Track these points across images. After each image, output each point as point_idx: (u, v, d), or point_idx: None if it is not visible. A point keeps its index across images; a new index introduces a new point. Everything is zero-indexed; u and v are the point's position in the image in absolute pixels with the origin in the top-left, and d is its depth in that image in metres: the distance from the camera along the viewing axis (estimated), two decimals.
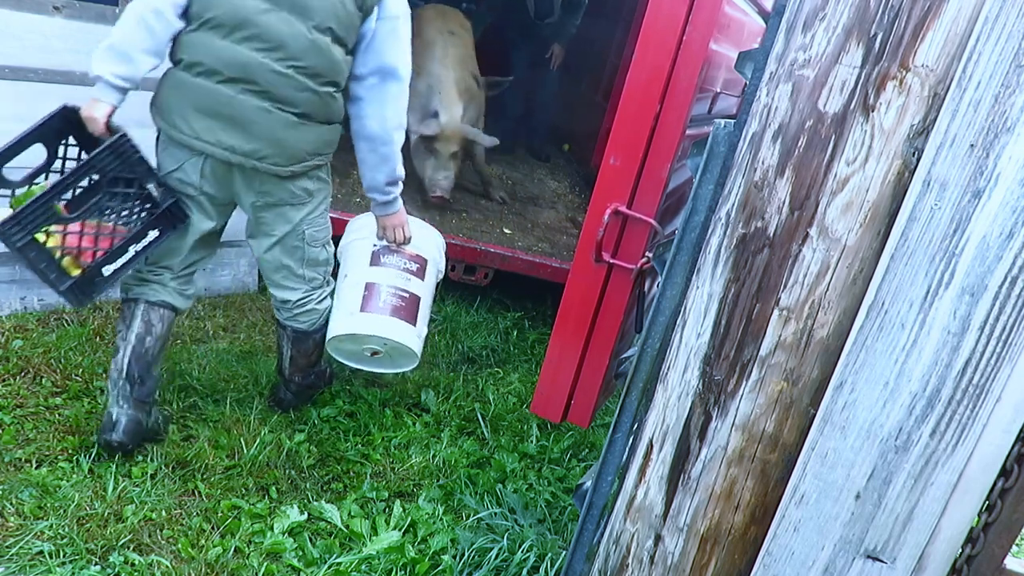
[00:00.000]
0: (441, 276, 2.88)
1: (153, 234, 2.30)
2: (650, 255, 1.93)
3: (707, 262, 1.42)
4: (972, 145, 1.16)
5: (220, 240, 2.58)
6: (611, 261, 2.13)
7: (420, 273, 2.70)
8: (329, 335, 2.62)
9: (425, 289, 2.71)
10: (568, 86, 5.79)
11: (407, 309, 2.62)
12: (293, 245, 2.49)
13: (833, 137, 1.28)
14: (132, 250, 2.27)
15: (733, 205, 1.38)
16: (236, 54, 2.18)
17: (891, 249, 1.23)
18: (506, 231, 4.35)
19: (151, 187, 2.25)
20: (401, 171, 2.52)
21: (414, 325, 2.63)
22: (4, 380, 2.64)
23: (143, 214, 2.27)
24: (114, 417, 2.35)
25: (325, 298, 2.64)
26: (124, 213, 2.25)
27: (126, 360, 2.38)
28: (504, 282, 4.11)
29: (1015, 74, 1.13)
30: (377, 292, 2.59)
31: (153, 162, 2.30)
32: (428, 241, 2.79)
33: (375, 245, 2.66)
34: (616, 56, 5.65)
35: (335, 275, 2.72)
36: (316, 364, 2.76)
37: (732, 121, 1.42)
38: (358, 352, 2.70)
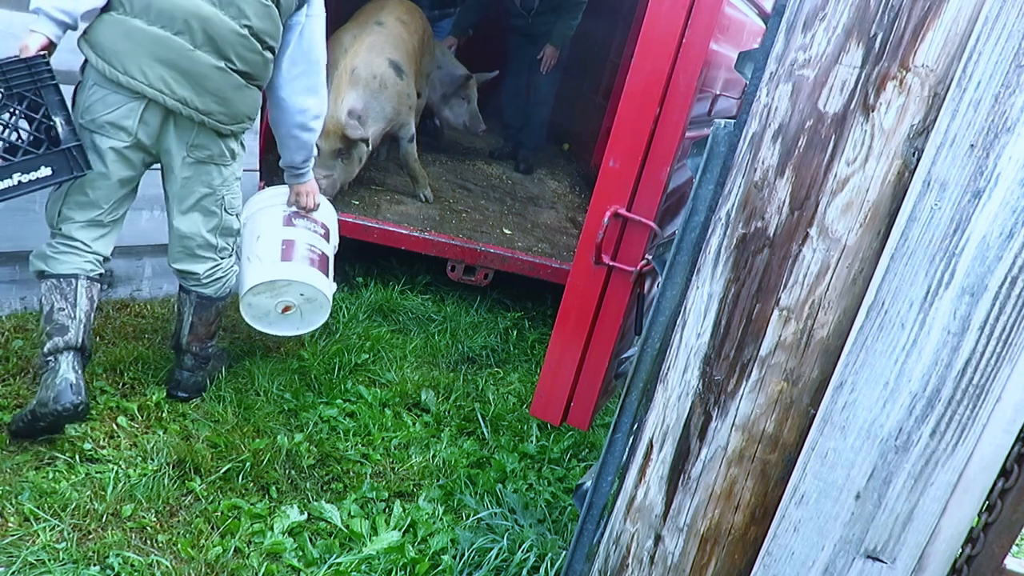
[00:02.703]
0: (336, 251, 3.08)
1: (45, 171, 2.20)
2: (650, 257, 1.93)
3: (707, 262, 1.42)
4: (972, 145, 1.16)
5: (134, 198, 2.56)
6: (611, 264, 2.13)
7: (327, 237, 2.98)
8: (246, 287, 2.74)
9: (331, 251, 2.99)
10: (567, 87, 5.75)
11: (321, 264, 2.86)
12: (212, 210, 2.56)
13: (833, 137, 1.28)
14: (16, 178, 2.16)
15: (733, 205, 1.39)
16: (197, 8, 2.27)
17: (891, 249, 1.23)
18: (506, 231, 4.35)
19: (58, 121, 2.18)
20: (313, 152, 2.80)
21: (328, 278, 2.88)
22: (4, 380, 2.64)
23: (41, 147, 2.18)
24: (73, 381, 2.31)
25: (232, 266, 2.73)
26: (16, 136, 2.16)
27: (80, 336, 2.37)
28: (504, 282, 4.11)
29: (1015, 74, 1.13)
30: (295, 246, 2.81)
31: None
32: (330, 213, 3.10)
33: (285, 210, 2.89)
34: (616, 56, 5.65)
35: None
36: (214, 336, 2.79)
37: (732, 121, 1.42)
38: (270, 309, 2.83)
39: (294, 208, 2.89)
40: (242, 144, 2.59)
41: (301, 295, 2.80)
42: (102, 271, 2.50)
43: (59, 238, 2.43)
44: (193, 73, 2.31)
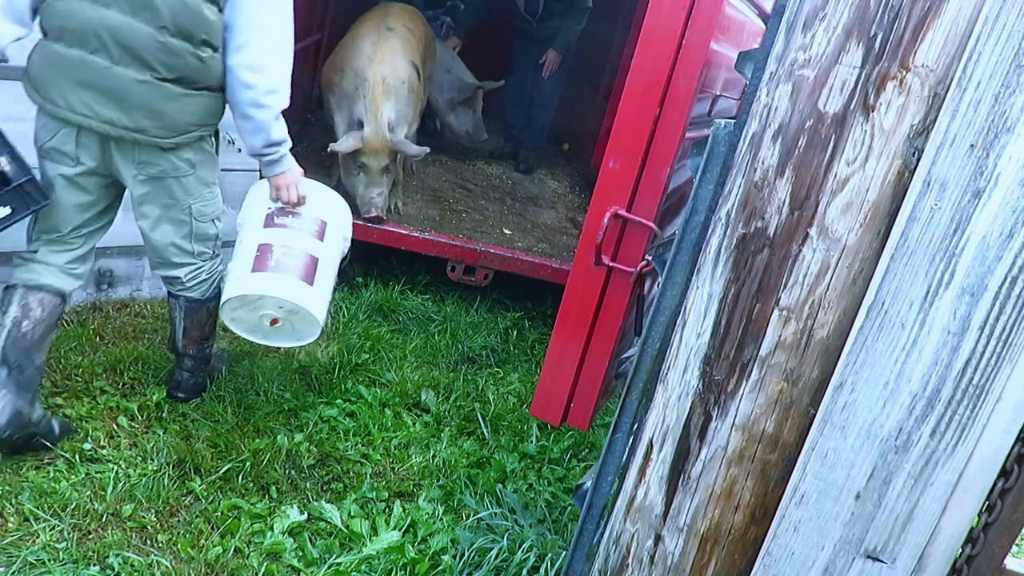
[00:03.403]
0: (348, 244, 2.75)
1: (5, 211, 2.19)
2: (650, 257, 1.93)
3: (707, 262, 1.43)
4: (972, 145, 1.16)
5: (114, 213, 2.49)
6: (611, 264, 2.13)
7: (319, 235, 2.57)
8: (221, 303, 2.51)
9: (325, 251, 2.57)
10: (567, 87, 5.74)
11: (303, 269, 2.47)
12: (180, 219, 2.44)
13: (833, 137, 1.28)
14: None
15: (733, 205, 1.39)
16: (105, 18, 2.11)
17: (891, 249, 1.23)
18: (506, 231, 4.35)
19: (2, 160, 2.16)
20: (278, 135, 2.40)
21: (311, 285, 2.48)
22: None
23: None
24: None
25: (216, 266, 2.62)
26: None
27: (1, 343, 2.23)
28: (504, 282, 4.11)
29: (1015, 74, 1.13)
30: (269, 252, 2.46)
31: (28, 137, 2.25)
32: (329, 205, 2.67)
33: (269, 208, 2.55)
34: (616, 56, 5.65)
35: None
36: (210, 336, 2.72)
37: (732, 121, 1.42)
38: (256, 322, 2.56)
39: (280, 204, 2.55)
40: (204, 150, 2.41)
41: (280, 308, 2.49)
42: (48, 283, 2.33)
43: (20, 258, 2.37)
44: (116, 91, 2.16)
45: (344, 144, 3.70)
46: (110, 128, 2.19)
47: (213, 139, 2.46)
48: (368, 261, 4.17)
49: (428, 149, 3.99)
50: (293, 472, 2.53)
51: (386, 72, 3.83)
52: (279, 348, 3.21)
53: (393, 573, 2.19)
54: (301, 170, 2.55)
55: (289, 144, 2.47)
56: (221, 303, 2.50)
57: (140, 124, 2.20)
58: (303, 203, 2.55)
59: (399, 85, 3.88)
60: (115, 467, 2.35)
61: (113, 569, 2.03)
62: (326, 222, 2.59)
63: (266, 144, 2.40)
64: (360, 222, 3.76)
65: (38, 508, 2.14)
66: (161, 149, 2.28)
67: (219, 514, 2.29)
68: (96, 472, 2.33)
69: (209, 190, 2.47)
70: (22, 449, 2.30)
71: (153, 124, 2.22)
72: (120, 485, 2.28)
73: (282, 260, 2.44)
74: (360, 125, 3.75)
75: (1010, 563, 1.31)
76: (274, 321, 2.54)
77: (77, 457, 2.36)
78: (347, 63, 3.89)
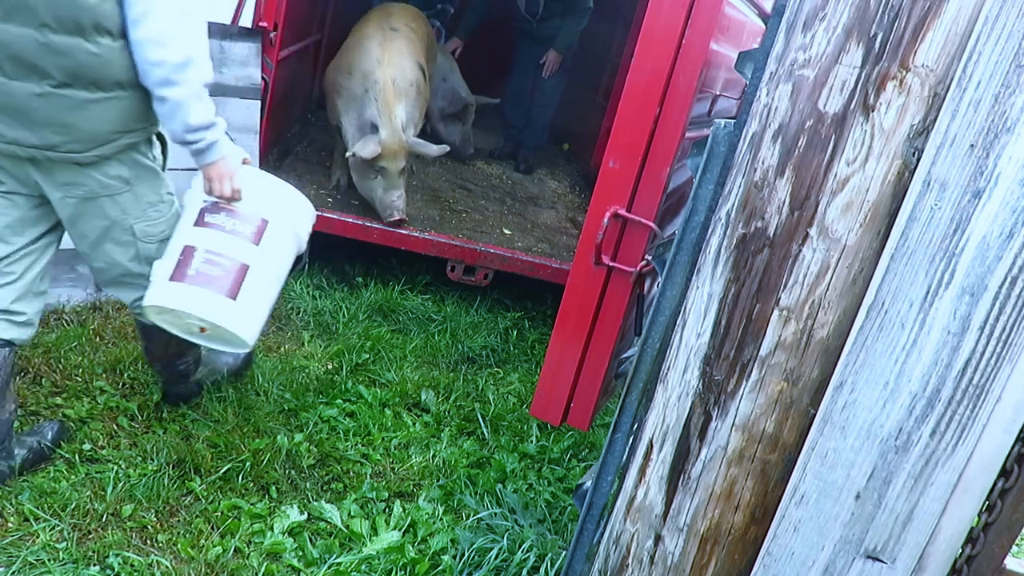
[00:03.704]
0: (303, 245, 2.39)
1: None
2: (650, 257, 1.93)
3: (707, 262, 1.43)
4: (972, 145, 1.16)
5: (51, 239, 2.20)
6: (611, 264, 2.13)
7: (255, 237, 2.20)
8: (144, 305, 2.22)
9: (261, 256, 2.20)
10: (567, 87, 5.74)
11: (226, 280, 2.13)
12: (124, 240, 2.17)
13: (833, 137, 1.28)
14: None
15: (733, 205, 1.39)
16: None
17: (891, 249, 1.23)
18: (506, 231, 4.35)
19: None
20: (202, 117, 2.03)
21: (234, 299, 2.14)
22: None
23: None
24: None
25: None
26: None
27: None
28: (504, 282, 4.11)
29: (1015, 74, 1.13)
30: (191, 258, 2.13)
31: None
32: (275, 200, 2.28)
33: (204, 202, 2.19)
34: (616, 56, 5.65)
35: None
36: (183, 355, 2.52)
37: (732, 121, 1.42)
38: (184, 325, 2.28)
39: (215, 198, 2.19)
40: (140, 164, 2.13)
41: (201, 320, 2.19)
42: None
43: None
44: (14, 108, 1.90)
45: (366, 148, 3.68)
46: (18, 149, 1.95)
47: (152, 149, 2.18)
48: (368, 261, 4.17)
49: (448, 147, 3.97)
50: (293, 472, 2.53)
51: (395, 74, 3.83)
52: (279, 347, 3.22)
53: (393, 573, 2.19)
54: (245, 155, 2.23)
55: (221, 128, 2.11)
56: (144, 305, 2.22)
57: (48, 141, 1.95)
58: (239, 198, 2.18)
59: (408, 87, 3.88)
60: (115, 467, 2.35)
61: (113, 569, 2.03)
62: (267, 220, 2.23)
63: (187, 130, 2.03)
64: (359, 222, 3.77)
65: (38, 508, 2.14)
66: (79, 165, 2.02)
67: (219, 514, 2.29)
68: (96, 472, 2.33)
69: (155, 209, 2.19)
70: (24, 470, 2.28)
71: (63, 139, 1.95)
72: (120, 485, 2.28)
73: (203, 269, 2.12)
74: (372, 128, 3.74)
75: (1010, 563, 1.31)
76: (202, 329, 2.28)
77: (77, 457, 2.36)
78: (354, 65, 3.88)
